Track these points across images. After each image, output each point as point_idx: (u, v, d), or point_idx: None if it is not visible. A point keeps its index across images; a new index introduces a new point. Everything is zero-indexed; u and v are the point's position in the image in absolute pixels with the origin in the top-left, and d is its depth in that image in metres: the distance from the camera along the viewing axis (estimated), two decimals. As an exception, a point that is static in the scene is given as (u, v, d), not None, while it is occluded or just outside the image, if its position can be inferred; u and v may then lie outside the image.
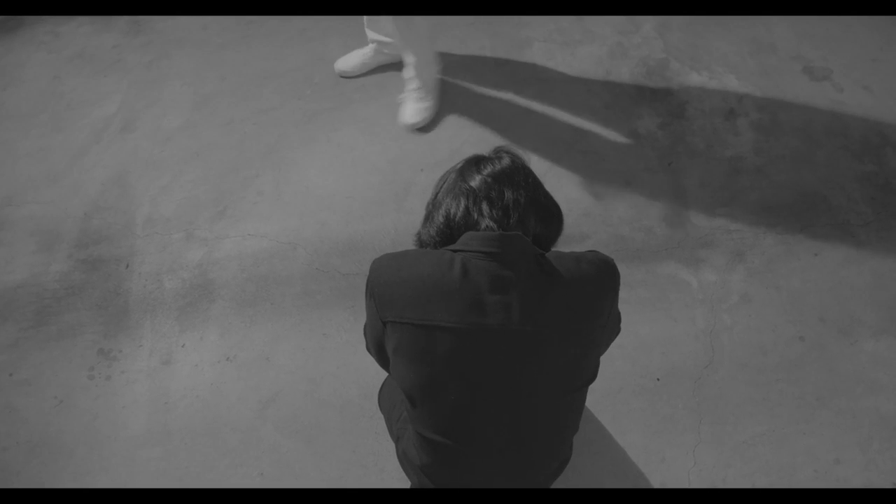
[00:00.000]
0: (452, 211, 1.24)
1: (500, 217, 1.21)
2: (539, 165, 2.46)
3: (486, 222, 1.20)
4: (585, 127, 2.61)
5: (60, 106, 2.89)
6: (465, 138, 2.59)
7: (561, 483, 1.82)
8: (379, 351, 1.31)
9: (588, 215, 2.35)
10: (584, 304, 1.16)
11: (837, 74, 2.73)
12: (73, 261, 2.39)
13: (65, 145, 2.74)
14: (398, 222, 2.38)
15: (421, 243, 1.33)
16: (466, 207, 1.23)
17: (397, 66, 2.80)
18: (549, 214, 1.29)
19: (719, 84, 2.72)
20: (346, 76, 2.85)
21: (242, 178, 2.56)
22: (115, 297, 2.29)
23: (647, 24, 2.96)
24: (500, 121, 2.65)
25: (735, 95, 2.68)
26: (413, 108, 2.64)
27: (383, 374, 1.87)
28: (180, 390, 2.09)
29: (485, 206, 1.22)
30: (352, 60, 2.84)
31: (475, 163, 1.30)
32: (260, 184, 2.54)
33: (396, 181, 2.49)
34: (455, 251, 1.17)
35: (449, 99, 2.73)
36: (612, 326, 1.28)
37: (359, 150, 2.61)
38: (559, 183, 2.41)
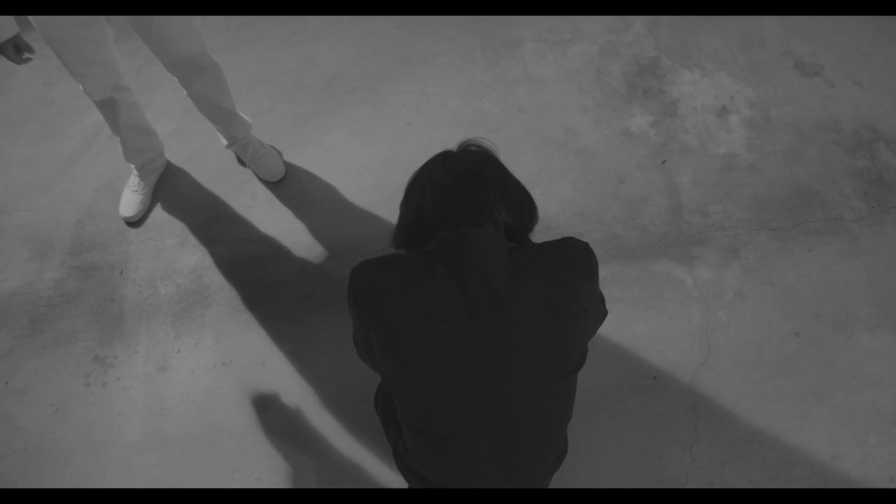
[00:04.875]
0: (423, 210, 1.26)
1: (469, 214, 1.22)
2: (531, 165, 2.46)
3: (455, 220, 1.21)
4: (578, 126, 2.61)
5: (51, 113, 2.88)
6: (458, 139, 2.57)
7: (558, 483, 1.82)
8: (370, 356, 1.32)
9: (582, 214, 2.35)
10: (562, 292, 1.18)
11: (828, 69, 2.73)
12: (66, 268, 2.38)
13: (56, 152, 2.72)
14: (391, 224, 2.37)
15: (396, 244, 1.35)
16: (436, 206, 1.24)
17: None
18: (519, 205, 1.30)
19: (711, 81, 2.72)
20: (131, 221, 2.47)
21: (235, 183, 2.56)
22: (110, 304, 2.28)
23: (638, 23, 2.96)
24: (492, 121, 2.64)
25: (727, 92, 2.68)
26: (270, 164, 2.54)
27: (378, 378, 1.87)
28: (176, 396, 2.08)
29: (453, 204, 1.23)
30: (132, 203, 2.48)
31: (443, 160, 1.31)
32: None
33: (388, 183, 2.49)
34: (430, 253, 1.19)
35: (441, 100, 2.73)
36: (594, 310, 1.29)
37: (350, 153, 2.61)
38: (552, 182, 2.41)
